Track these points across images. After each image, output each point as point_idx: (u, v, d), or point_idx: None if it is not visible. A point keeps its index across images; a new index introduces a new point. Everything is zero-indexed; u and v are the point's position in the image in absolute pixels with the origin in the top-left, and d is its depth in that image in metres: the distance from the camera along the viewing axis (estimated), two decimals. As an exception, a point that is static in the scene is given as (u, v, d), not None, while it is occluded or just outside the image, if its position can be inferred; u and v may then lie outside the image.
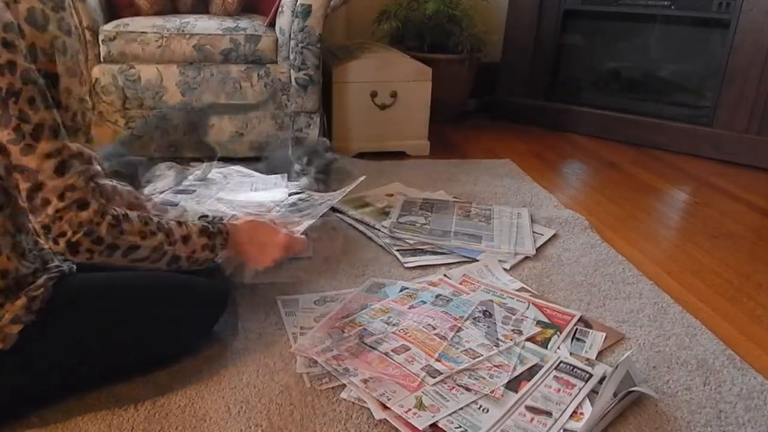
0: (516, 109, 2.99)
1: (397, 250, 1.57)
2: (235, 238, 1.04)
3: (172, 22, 2.07)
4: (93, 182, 0.82)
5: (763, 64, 2.32)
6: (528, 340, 1.21)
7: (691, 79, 2.63)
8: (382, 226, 1.68)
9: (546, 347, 1.20)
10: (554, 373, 1.12)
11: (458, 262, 1.53)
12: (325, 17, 2.09)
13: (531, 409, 1.03)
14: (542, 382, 1.10)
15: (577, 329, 1.26)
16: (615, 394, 1.01)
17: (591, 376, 1.10)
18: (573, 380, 1.10)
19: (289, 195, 1.58)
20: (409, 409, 1.00)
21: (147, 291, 1.04)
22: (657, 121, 2.63)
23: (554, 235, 1.70)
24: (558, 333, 1.24)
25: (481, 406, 1.02)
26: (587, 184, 2.22)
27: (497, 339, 1.19)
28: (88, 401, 1.01)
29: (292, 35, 2.09)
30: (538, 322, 1.27)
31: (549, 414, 1.02)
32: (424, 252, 1.57)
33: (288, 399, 1.04)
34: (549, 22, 2.82)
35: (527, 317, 1.28)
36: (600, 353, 1.20)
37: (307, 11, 2.05)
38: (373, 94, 2.31)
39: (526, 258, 1.57)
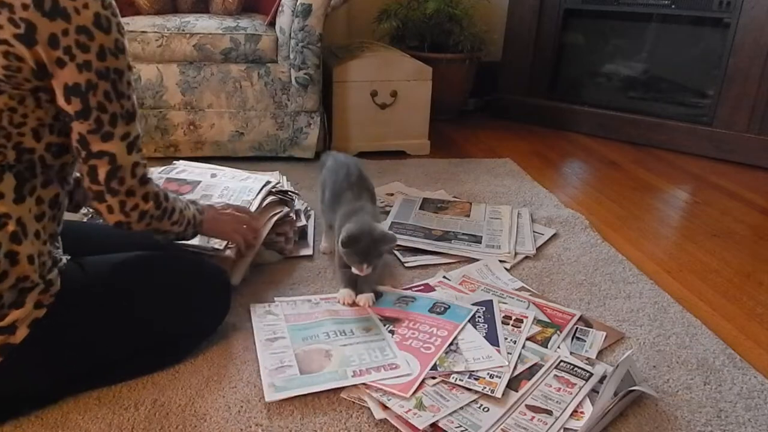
0: (516, 108, 2.98)
1: (397, 250, 1.57)
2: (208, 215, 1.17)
3: (173, 21, 2.07)
4: (145, 159, 0.96)
5: (764, 64, 2.32)
6: (528, 339, 1.21)
7: (692, 78, 2.63)
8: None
9: (546, 346, 1.19)
10: (554, 372, 1.12)
11: (458, 262, 1.53)
12: (325, 16, 2.09)
13: (531, 407, 1.03)
14: (542, 381, 1.10)
15: (577, 328, 1.26)
16: (615, 393, 1.01)
17: (591, 375, 1.11)
18: (573, 379, 1.10)
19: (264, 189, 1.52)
20: (410, 410, 1.00)
21: (151, 272, 1.08)
22: (657, 120, 2.63)
23: (554, 235, 1.70)
24: (558, 332, 1.24)
25: (481, 405, 1.02)
26: (587, 183, 2.22)
27: (497, 339, 1.19)
28: (89, 401, 1.01)
29: (292, 34, 2.09)
30: (539, 322, 1.27)
31: (549, 413, 1.02)
32: (424, 251, 1.57)
33: (288, 398, 1.04)
34: (549, 21, 2.82)
35: (527, 316, 1.28)
36: (600, 352, 1.20)
37: (307, 10, 2.05)
38: (374, 94, 2.31)
39: (527, 257, 1.57)
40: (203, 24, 2.07)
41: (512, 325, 1.25)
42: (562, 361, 1.15)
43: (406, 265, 1.51)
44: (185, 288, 1.10)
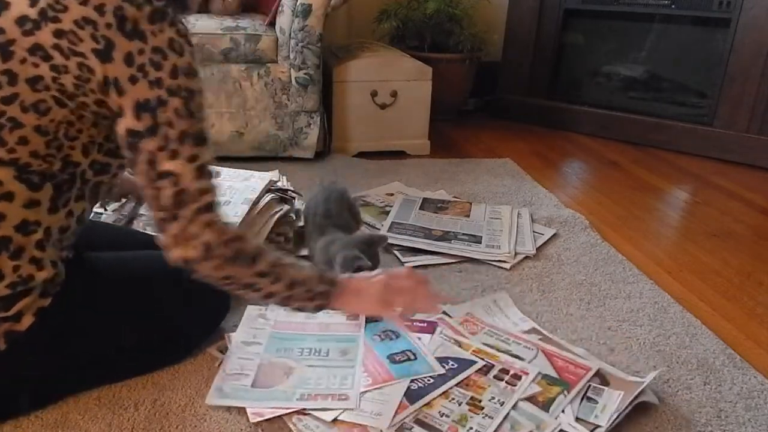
0: (516, 108, 2.98)
1: (397, 250, 1.57)
2: (340, 286, 1.01)
3: (172, 21, 2.07)
4: (216, 190, 0.91)
5: (764, 64, 2.32)
6: (527, 399, 1.05)
7: (692, 78, 2.63)
8: (382, 226, 1.68)
9: (547, 410, 1.02)
10: None
11: (458, 263, 1.53)
12: (325, 16, 2.09)
13: None
14: None
15: (590, 386, 1.07)
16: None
17: None
18: None
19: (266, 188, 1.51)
20: None
21: (153, 269, 1.07)
22: (658, 121, 2.63)
23: (554, 235, 1.70)
24: (566, 392, 1.06)
25: None
26: (588, 183, 2.22)
27: (417, 398, 1.05)
28: (89, 401, 1.01)
29: (292, 34, 2.09)
30: (544, 377, 1.10)
31: None
32: (424, 251, 1.57)
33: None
34: (550, 21, 2.82)
35: (528, 372, 1.11)
36: (616, 424, 1.00)
37: (307, 10, 2.05)
38: (374, 94, 2.31)
39: (527, 258, 1.57)
40: (203, 24, 2.07)
41: (507, 382, 1.08)
42: (561, 431, 0.99)
43: (406, 265, 1.51)
44: (185, 286, 1.10)
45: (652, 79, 2.74)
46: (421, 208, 1.82)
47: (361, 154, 2.35)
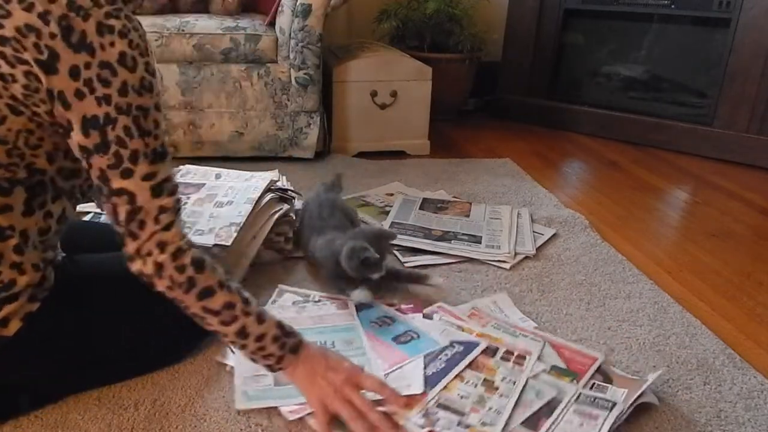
0: (516, 108, 2.98)
1: (397, 250, 1.57)
2: (307, 352, 0.99)
3: (172, 21, 2.07)
4: (178, 207, 0.89)
5: (764, 64, 2.32)
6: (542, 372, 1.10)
7: (692, 78, 2.63)
8: (382, 226, 1.68)
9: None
10: (574, 406, 1.03)
11: (458, 263, 1.53)
12: (325, 16, 2.09)
13: None
14: (563, 418, 1.00)
15: (594, 384, 1.09)
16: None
17: (614, 404, 1.02)
18: (595, 411, 1.01)
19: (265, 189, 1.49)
20: None
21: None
22: (657, 121, 2.63)
23: (554, 235, 1.70)
24: (575, 381, 1.09)
25: None
26: (587, 183, 2.22)
27: (437, 383, 1.07)
28: (88, 401, 1.01)
29: (292, 34, 2.09)
30: (553, 368, 1.12)
31: None
32: (424, 251, 1.57)
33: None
34: (549, 21, 2.82)
35: (531, 352, 1.16)
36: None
37: (307, 10, 2.05)
38: (373, 94, 2.31)
39: (526, 258, 1.57)
40: (203, 24, 2.07)
41: (514, 362, 1.13)
42: (582, 393, 1.05)
43: (405, 265, 1.51)
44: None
45: (652, 79, 2.74)
46: (421, 208, 1.82)
47: (361, 154, 2.35)
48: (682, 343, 1.24)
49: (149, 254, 0.85)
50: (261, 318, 0.94)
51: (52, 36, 0.76)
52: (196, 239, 1.30)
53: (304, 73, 2.13)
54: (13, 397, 0.97)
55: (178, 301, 0.90)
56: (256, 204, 1.41)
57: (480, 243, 1.62)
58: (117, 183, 0.83)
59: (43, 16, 0.76)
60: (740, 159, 2.44)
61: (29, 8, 0.75)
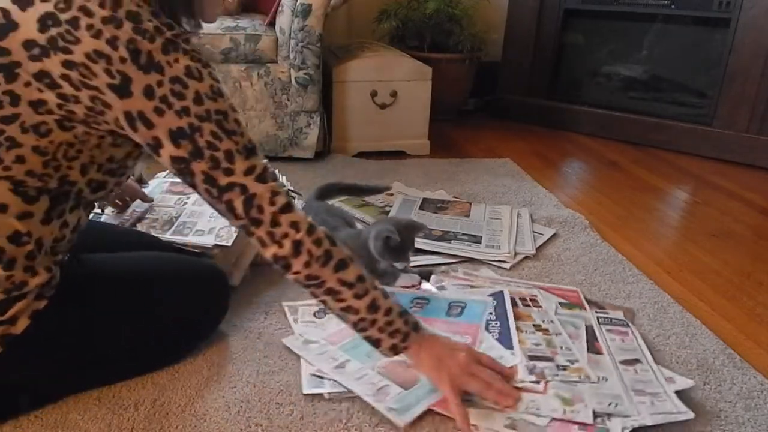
0: (516, 108, 2.99)
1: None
2: (423, 330, 1.01)
3: (172, 21, 2.07)
4: (286, 190, 0.93)
5: (764, 64, 2.32)
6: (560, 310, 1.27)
7: (692, 78, 2.63)
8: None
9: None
10: (605, 328, 1.21)
11: (458, 262, 1.53)
12: (325, 16, 2.09)
13: (626, 362, 1.11)
14: (607, 338, 1.18)
15: (595, 310, 1.29)
16: None
17: (627, 323, 1.23)
18: (623, 329, 1.22)
19: None
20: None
21: (150, 271, 1.08)
22: (657, 121, 2.63)
23: (554, 235, 1.70)
24: (582, 310, 1.28)
25: (599, 377, 1.07)
26: (587, 183, 2.22)
27: (510, 341, 1.16)
28: (88, 401, 1.01)
29: (292, 34, 2.09)
30: (561, 304, 1.29)
31: (639, 361, 1.11)
32: (424, 251, 1.57)
33: (288, 398, 1.04)
34: (549, 21, 2.82)
35: (536, 294, 1.31)
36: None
37: (307, 10, 2.05)
38: (373, 94, 2.31)
39: (526, 257, 1.57)
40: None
41: (534, 306, 1.28)
42: (598, 316, 1.25)
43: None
44: (183, 288, 1.10)
45: (652, 79, 2.74)
46: (421, 208, 1.82)
47: (361, 154, 2.35)
48: (682, 343, 1.24)
49: (285, 236, 0.89)
50: (384, 292, 0.97)
51: (122, 60, 0.79)
52: (197, 240, 1.30)
53: (304, 73, 2.13)
54: (13, 397, 0.97)
55: (313, 277, 0.92)
56: None
57: (480, 243, 1.62)
58: (224, 180, 0.87)
59: (112, 42, 0.78)
60: (740, 159, 2.44)
61: (97, 35, 0.78)
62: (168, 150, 0.85)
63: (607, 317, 1.26)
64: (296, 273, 0.91)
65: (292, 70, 2.13)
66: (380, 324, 0.95)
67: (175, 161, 0.86)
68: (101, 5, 0.78)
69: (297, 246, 0.89)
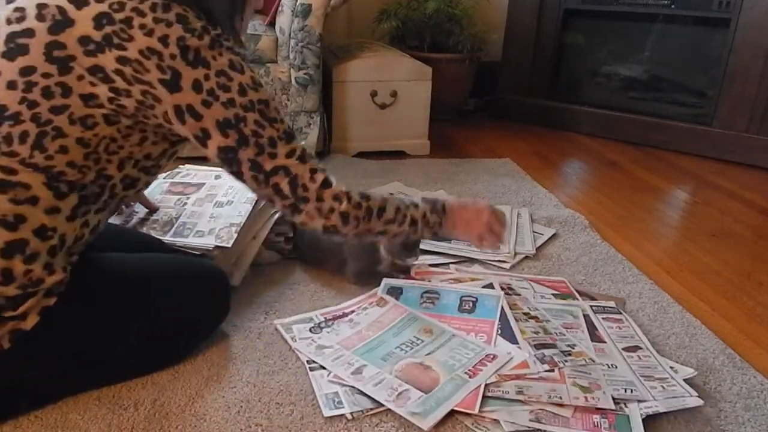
0: (516, 108, 2.99)
1: (397, 250, 1.57)
2: (450, 205, 1.18)
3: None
4: (323, 167, 1.02)
5: (764, 64, 2.32)
6: (551, 300, 1.30)
7: (692, 78, 2.63)
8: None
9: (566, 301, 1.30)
10: (600, 317, 1.24)
11: (457, 262, 1.53)
12: (325, 16, 2.09)
13: (628, 349, 1.14)
14: (605, 327, 1.21)
15: (587, 299, 1.32)
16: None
17: (619, 311, 1.27)
18: (616, 316, 1.25)
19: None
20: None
21: (153, 271, 1.09)
22: (657, 121, 2.63)
23: (554, 235, 1.71)
24: (574, 300, 1.32)
25: (607, 364, 1.09)
26: (587, 183, 2.22)
27: (514, 335, 1.16)
28: (88, 401, 1.01)
29: (292, 34, 2.09)
30: (555, 295, 1.33)
31: (640, 347, 1.15)
32: (423, 251, 1.56)
33: (288, 398, 1.04)
34: (549, 22, 2.82)
35: (511, 283, 1.36)
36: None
37: (306, 10, 2.05)
38: (373, 94, 2.31)
39: (526, 257, 1.57)
40: (203, 24, 2.07)
41: (514, 294, 1.30)
42: (591, 306, 1.28)
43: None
44: (185, 288, 1.11)
45: (652, 79, 2.74)
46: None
47: (361, 154, 2.35)
48: (682, 343, 1.24)
49: (331, 210, 1.00)
50: (413, 202, 1.12)
51: (173, 57, 0.86)
52: (197, 241, 1.30)
53: (304, 73, 2.13)
54: (13, 397, 0.97)
55: (363, 233, 1.05)
56: (255, 204, 1.41)
57: None
58: (269, 165, 0.95)
59: (163, 40, 0.85)
60: (740, 159, 2.44)
61: (150, 33, 0.85)
62: (216, 140, 0.92)
63: (600, 306, 1.30)
64: (346, 234, 1.04)
65: (292, 70, 2.13)
66: (420, 228, 1.12)
67: (222, 150, 0.93)
68: (152, 8, 0.86)
69: (344, 216, 1.01)
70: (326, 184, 0.99)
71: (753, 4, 2.31)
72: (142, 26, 0.85)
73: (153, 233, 1.33)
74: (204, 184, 1.52)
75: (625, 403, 1.01)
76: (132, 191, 1.00)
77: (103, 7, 0.85)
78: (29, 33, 0.85)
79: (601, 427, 0.96)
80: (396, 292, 1.32)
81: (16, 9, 0.86)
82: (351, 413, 1.00)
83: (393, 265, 1.37)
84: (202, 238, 1.31)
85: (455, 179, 2.13)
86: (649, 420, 0.99)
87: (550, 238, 1.69)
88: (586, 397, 1.01)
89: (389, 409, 1.00)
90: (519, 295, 1.31)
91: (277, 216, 1.45)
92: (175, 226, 1.36)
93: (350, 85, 2.29)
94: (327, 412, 1.00)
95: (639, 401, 1.01)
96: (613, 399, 1.01)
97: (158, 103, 0.88)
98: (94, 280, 1.00)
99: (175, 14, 0.86)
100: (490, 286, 1.33)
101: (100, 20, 0.84)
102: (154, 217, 1.39)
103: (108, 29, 0.84)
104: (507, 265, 1.52)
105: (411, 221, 1.10)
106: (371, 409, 1.01)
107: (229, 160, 0.94)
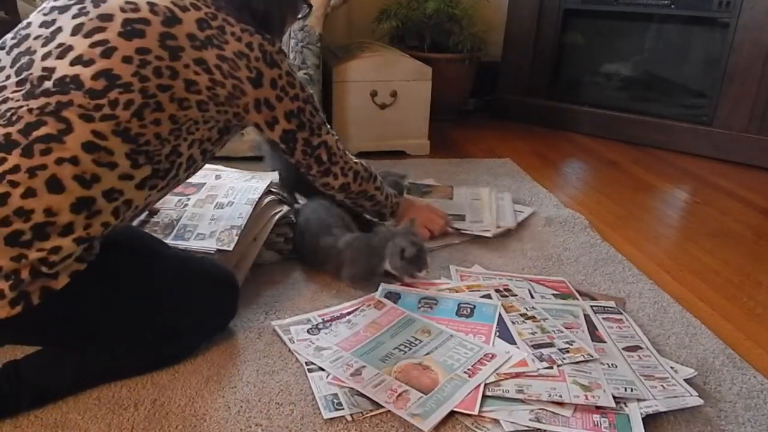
0: (516, 108, 2.99)
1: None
2: (404, 204, 1.55)
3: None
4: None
5: (764, 64, 2.32)
6: (551, 301, 1.30)
7: (692, 78, 2.63)
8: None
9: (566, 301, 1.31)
10: (600, 317, 1.25)
11: (442, 246, 1.53)
12: (325, 16, 2.09)
13: (628, 348, 1.15)
14: (605, 326, 1.22)
15: (587, 299, 1.33)
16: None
17: (619, 311, 1.28)
18: (616, 316, 1.26)
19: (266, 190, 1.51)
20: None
21: (165, 268, 1.10)
22: (657, 121, 2.63)
23: (533, 213, 1.83)
24: (575, 300, 1.32)
25: (607, 364, 1.10)
26: (587, 183, 2.22)
27: (511, 336, 1.17)
28: (88, 401, 1.01)
29: (291, 34, 2.09)
30: (555, 295, 1.33)
31: (640, 347, 1.15)
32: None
33: (288, 398, 1.04)
34: (549, 21, 2.82)
35: (509, 285, 1.36)
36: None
37: (307, 11, 2.05)
38: (373, 94, 2.31)
39: (526, 257, 1.57)
40: (203, 24, 2.07)
41: (511, 296, 1.31)
42: (591, 306, 1.29)
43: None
44: (195, 287, 1.11)
45: (652, 79, 2.74)
46: (408, 192, 1.85)
47: (361, 154, 2.35)
48: (682, 343, 1.24)
49: (350, 168, 1.35)
50: (383, 184, 1.48)
51: (257, 59, 1.08)
52: (199, 245, 1.29)
53: (304, 73, 2.13)
54: (13, 397, 0.97)
55: (362, 191, 1.40)
56: (256, 205, 1.41)
57: (464, 220, 1.72)
58: (316, 141, 1.25)
59: (249, 45, 1.07)
60: (740, 159, 2.44)
61: (239, 40, 1.06)
62: (282, 125, 1.18)
63: (600, 306, 1.30)
64: (351, 192, 1.38)
65: (292, 70, 2.13)
66: (388, 205, 1.48)
67: (285, 133, 1.20)
68: (237, 20, 1.07)
69: (355, 174, 1.36)
70: (344, 148, 1.33)
71: (753, 5, 2.31)
72: (232, 33, 1.05)
73: (154, 235, 1.33)
74: (204, 184, 1.52)
75: (625, 403, 1.01)
76: (187, 174, 1.13)
77: (201, 14, 1.03)
78: (145, 21, 0.98)
79: (602, 426, 0.96)
80: (394, 297, 1.32)
81: (128, 2, 0.99)
82: (351, 415, 1.00)
83: (398, 270, 1.37)
84: (203, 241, 1.30)
85: (455, 179, 2.13)
86: (649, 419, 0.99)
87: (530, 216, 1.81)
88: (586, 396, 1.01)
89: (389, 411, 1.00)
90: (516, 296, 1.32)
91: (277, 218, 1.45)
92: (176, 228, 1.36)
93: (350, 85, 2.29)
94: (327, 414, 1.00)
95: (639, 400, 1.01)
96: (614, 398, 1.01)
97: (243, 95, 1.08)
98: (120, 260, 1.02)
99: (251, 26, 1.08)
100: (488, 296, 1.32)
101: (201, 23, 1.02)
102: (155, 219, 1.39)
103: (209, 32, 1.03)
104: (489, 234, 1.64)
105: (386, 195, 1.46)
106: (371, 410, 1.01)
107: (287, 140, 1.21)
